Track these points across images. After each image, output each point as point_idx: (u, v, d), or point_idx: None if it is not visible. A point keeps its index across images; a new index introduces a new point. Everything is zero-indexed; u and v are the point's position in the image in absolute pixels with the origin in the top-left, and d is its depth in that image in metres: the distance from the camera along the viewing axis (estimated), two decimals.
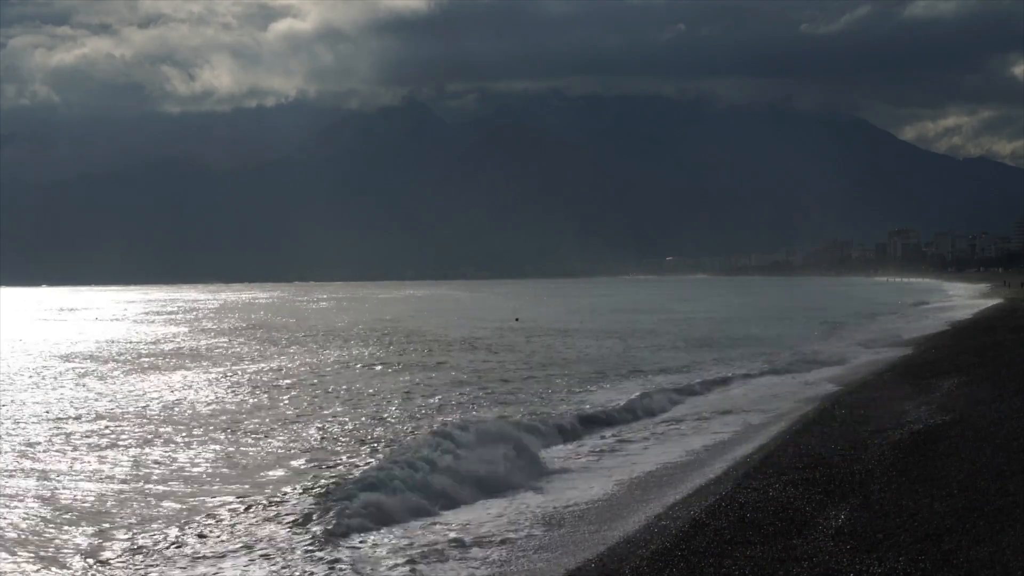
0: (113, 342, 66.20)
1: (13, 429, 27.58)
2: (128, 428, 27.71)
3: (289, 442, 25.07)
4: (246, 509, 17.82)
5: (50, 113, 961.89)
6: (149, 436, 26.31)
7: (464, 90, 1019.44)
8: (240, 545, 15.64)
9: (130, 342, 66.24)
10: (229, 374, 42.89)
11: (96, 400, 33.98)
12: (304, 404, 32.49)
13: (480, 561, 14.80)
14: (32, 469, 21.93)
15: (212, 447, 24.49)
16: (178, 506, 18.42)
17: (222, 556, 15.17)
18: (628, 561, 13.62)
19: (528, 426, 25.46)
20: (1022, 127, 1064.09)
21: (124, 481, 20.57)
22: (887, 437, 20.46)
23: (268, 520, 16.98)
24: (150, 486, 20.18)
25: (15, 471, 21.73)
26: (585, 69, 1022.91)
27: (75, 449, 24.33)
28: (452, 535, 16.00)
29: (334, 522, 16.26)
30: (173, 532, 16.53)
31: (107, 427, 27.81)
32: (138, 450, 24.20)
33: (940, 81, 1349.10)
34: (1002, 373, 29.66)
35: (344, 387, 36.95)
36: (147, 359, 51.91)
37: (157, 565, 14.97)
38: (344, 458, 22.66)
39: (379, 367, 45.22)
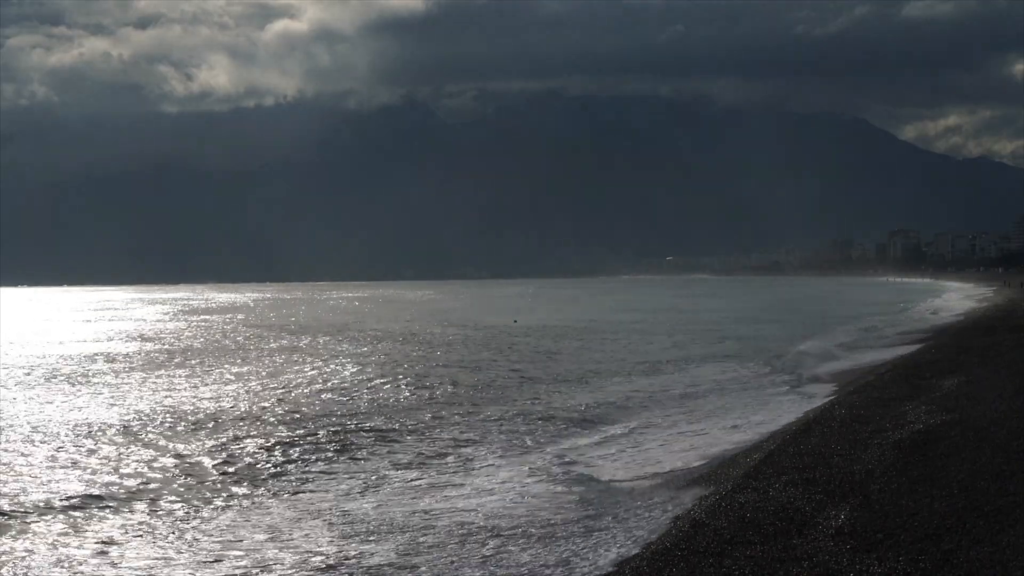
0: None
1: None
2: None
3: None
4: None
5: (49, 113, 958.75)
6: None
7: (462, 90, 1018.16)
8: None
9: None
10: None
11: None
12: None
13: None
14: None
15: None
16: None
17: None
18: (628, 561, 13.63)
19: None
20: (1022, 127, 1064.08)
21: None
22: (887, 437, 20.46)
23: None
24: None
25: None
26: (583, 69, 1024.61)
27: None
28: None
29: None
30: None
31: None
32: None
33: (940, 81, 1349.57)
34: (1002, 373, 29.68)
35: None
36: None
37: None
38: None
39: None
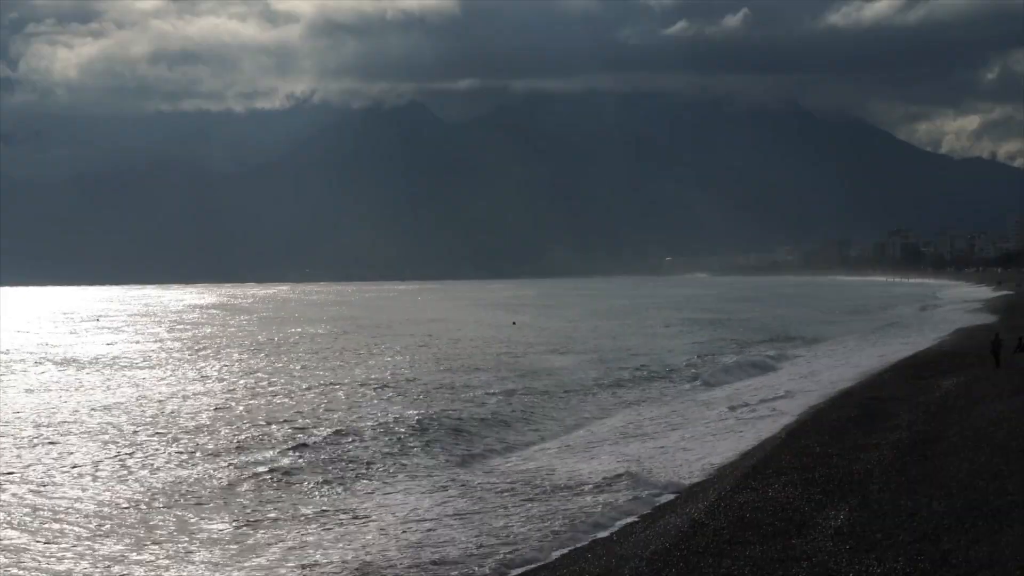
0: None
1: None
2: None
3: None
4: None
5: (50, 113, 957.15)
6: None
7: (464, 89, 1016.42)
8: None
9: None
10: None
11: None
12: None
13: None
14: None
15: None
16: None
17: None
18: (628, 562, 13.63)
19: None
20: (1022, 127, 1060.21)
21: None
22: (887, 437, 20.48)
23: None
24: None
25: None
26: (584, 69, 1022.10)
27: None
28: None
29: None
30: None
31: None
32: None
33: (940, 81, 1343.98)
34: (1001, 373, 29.73)
35: None
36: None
37: None
38: None
39: None
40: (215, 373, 43.66)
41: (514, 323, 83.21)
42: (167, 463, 22.79)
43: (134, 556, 15.82)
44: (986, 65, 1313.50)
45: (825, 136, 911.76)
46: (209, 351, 56.92)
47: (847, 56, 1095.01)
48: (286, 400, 33.77)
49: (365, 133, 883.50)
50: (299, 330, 77.61)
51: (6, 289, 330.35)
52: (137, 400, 34.23)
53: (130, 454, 23.81)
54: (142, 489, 20.20)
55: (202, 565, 15.45)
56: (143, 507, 18.83)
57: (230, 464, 22.50)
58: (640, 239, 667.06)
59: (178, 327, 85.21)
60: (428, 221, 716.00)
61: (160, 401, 33.81)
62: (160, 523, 17.75)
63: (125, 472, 21.88)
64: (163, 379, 41.41)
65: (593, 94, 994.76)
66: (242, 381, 39.96)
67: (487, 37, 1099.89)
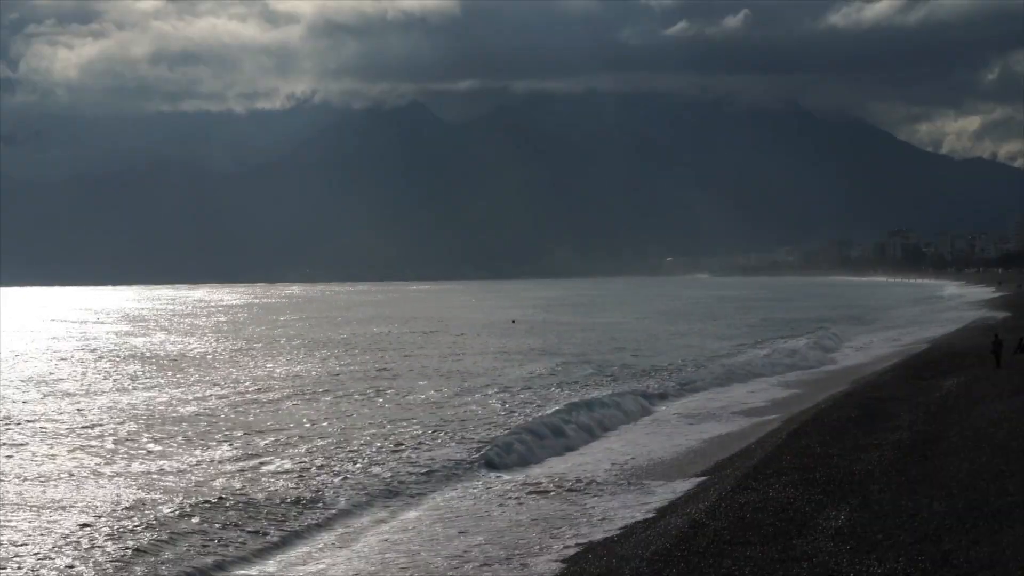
0: None
1: None
2: None
3: None
4: None
5: (50, 113, 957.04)
6: None
7: (464, 90, 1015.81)
8: None
9: None
10: None
11: None
12: None
13: None
14: None
15: None
16: None
17: None
18: (628, 562, 13.61)
19: None
20: (1023, 127, 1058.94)
21: None
22: (887, 437, 20.48)
23: None
24: None
25: None
26: (584, 69, 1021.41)
27: None
28: None
29: None
30: None
31: None
32: None
33: (941, 81, 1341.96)
34: (1001, 373, 29.75)
35: None
36: None
37: None
38: None
39: None
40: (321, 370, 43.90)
41: (513, 321, 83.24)
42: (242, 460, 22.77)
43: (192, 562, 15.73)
44: (987, 65, 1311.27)
45: (825, 136, 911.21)
46: (293, 351, 56.56)
47: (847, 56, 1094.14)
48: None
49: (365, 133, 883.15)
50: (388, 329, 77.28)
51: (6, 290, 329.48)
52: (254, 399, 34.48)
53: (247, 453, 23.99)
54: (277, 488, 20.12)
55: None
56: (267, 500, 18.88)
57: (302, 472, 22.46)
58: (640, 239, 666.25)
59: (234, 326, 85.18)
60: (428, 221, 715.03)
61: (254, 399, 34.21)
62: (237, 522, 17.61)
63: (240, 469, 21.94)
64: (257, 376, 41.58)
65: (593, 94, 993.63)
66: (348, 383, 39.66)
67: (487, 37, 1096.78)
